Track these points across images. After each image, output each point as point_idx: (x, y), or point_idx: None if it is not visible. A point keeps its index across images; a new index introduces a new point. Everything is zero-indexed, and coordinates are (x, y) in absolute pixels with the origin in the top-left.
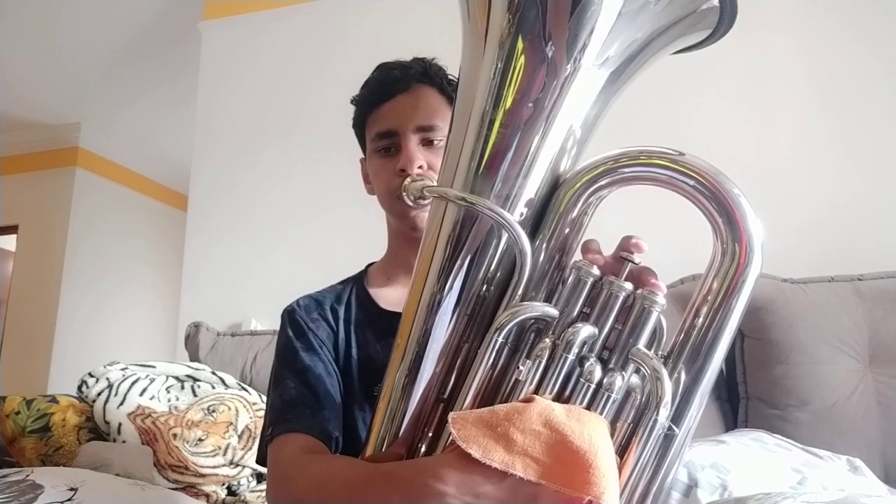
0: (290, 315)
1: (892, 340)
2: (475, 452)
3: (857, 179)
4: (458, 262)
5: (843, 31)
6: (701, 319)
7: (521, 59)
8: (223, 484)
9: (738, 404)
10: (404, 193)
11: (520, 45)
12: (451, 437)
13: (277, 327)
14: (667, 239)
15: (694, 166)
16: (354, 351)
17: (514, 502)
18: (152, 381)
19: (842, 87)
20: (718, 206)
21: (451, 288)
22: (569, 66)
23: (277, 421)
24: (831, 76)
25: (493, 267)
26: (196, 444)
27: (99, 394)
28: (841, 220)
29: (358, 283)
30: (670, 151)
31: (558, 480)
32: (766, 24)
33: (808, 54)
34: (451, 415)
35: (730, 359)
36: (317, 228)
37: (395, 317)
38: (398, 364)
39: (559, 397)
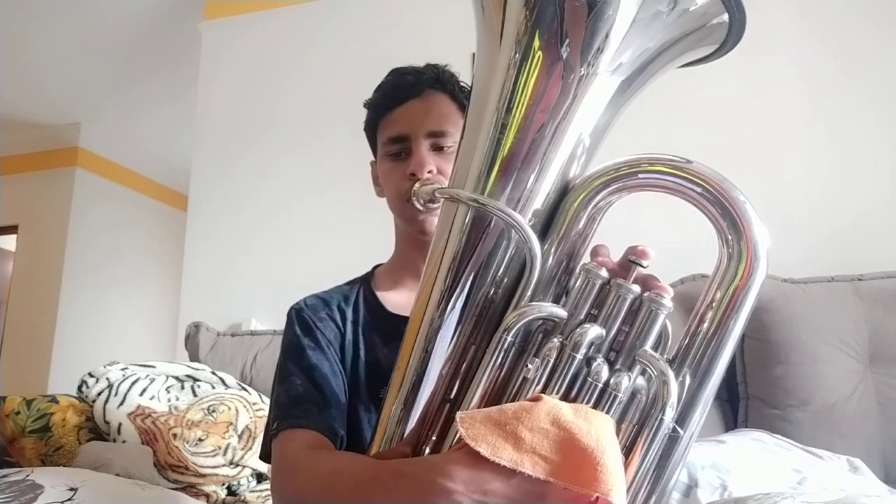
0: (297, 313)
1: (892, 340)
2: (484, 450)
3: (858, 180)
4: (469, 262)
5: (844, 35)
6: (706, 325)
7: (537, 58)
8: (223, 484)
9: (738, 404)
10: (414, 198)
11: (536, 43)
12: (458, 436)
13: (277, 327)
14: (668, 238)
15: (700, 174)
16: (362, 353)
17: (523, 500)
18: (152, 381)
19: (842, 88)
20: (724, 212)
21: (460, 288)
22: (583, 69)
23: (283, 416)
24: (832, 77)
25: (502, 269)
26: (196, 444)
27: (99, 394)
28: (841, 220)
29: (365, 285)
30: (677, 159)
31: (566, 478)
32: (767, 29)
33: (809, 56)
34: (458, 414)
35: None
36: (317, 228)
37: (401, 320)
38: (405, 363)
39: (566, 396)
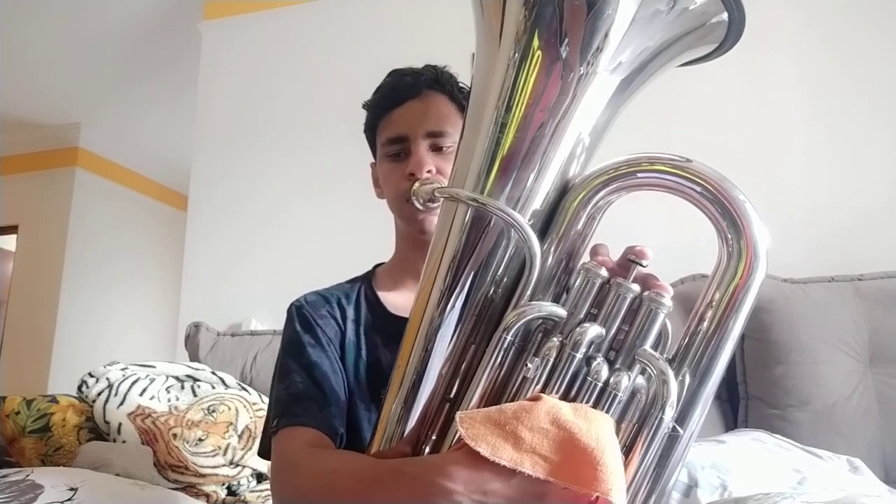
0: (298, 310)
1: (892, 340)
2: (484, 450)
3: (858, 180)
4: (468, 262)
5: (844, 34)
6: (706, 324)
7: (536, 58)
8: (223, 484)
9: (738, 404)
10: (413, 197)
11: (535, 42)
12: (458, 436)
13: (278, 327)
14: (668, 238)
15: (700, 173)
16: (364, 352)
17: (523, 500)
18: (152, 381)
19: (842, 87)
20: (724, 212)
21: (460, 287)
22: (582, 68)
23: (283, 414)
24: (832, 77)
25: (501, 268)
26: (196, 444)
27: (99, 394)
28: (841, 220)
29: (366, 284)
30: (677, 158)
31: (566, 478)
32: (767, 28)
33: (809, 55)
34: (458, 414)
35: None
36: (317, 228)
37: (403, 322)
38: (405, 362)
39: (566, 396)
